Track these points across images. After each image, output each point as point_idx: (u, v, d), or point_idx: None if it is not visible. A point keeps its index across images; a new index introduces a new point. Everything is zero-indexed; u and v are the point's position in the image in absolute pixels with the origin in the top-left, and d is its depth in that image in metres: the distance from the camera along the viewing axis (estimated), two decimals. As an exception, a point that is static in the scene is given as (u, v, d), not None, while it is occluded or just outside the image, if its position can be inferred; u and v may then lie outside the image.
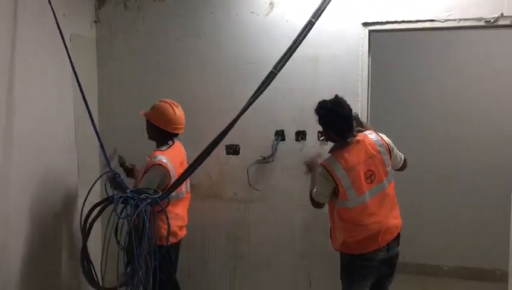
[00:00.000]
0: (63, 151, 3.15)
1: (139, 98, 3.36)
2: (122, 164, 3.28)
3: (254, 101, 2.66)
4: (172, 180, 2.77)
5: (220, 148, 3.10)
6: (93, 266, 2.75)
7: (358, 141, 2.60)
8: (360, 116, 2.96)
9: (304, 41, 2.69)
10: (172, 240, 2.82)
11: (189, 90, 3.36)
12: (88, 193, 2.77)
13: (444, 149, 4.31)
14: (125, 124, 3.44)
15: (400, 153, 2.74)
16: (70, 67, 2.91)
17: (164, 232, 2.69)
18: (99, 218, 2.71)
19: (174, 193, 2.77)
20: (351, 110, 2.63)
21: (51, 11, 2.82)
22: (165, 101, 2.94)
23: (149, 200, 2.56)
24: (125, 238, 2.62)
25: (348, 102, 2.64)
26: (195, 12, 3.31)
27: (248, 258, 3.36)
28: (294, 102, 3.17)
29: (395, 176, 2.73)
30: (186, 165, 2.89)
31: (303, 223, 3.23)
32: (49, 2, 2.81)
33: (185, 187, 2.98)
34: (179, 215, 2.95)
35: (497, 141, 4.12)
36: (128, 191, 2.61)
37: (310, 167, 3.00)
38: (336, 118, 2.58)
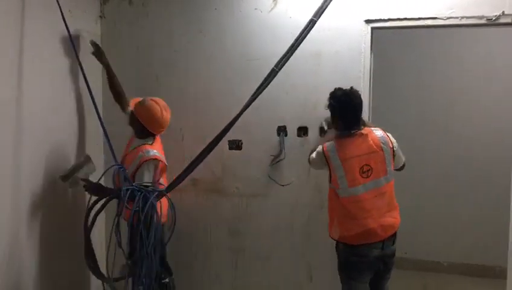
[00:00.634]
0: (69, 144, 3.19)
1: (143, 93, 3.36)
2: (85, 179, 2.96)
3: (256, 98, 2.70)
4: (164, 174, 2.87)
5: (223, 144, 3.13)
6: (95, 258, 2.81)
7: (362, 134, 2.63)
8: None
9: (307, 37, 2.73)
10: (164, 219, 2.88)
11: (193, 86, 3.39)
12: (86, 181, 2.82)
13: (445, 146, 4.33)
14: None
15: (402, 155, 2.76)
16: (76, 62, 2.96)
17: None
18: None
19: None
20: (362, 104, 2.67)
21: (58, 6, 2.86)
22: (157, 102, 2.93)
23: (157, 193, 2.63)
24: (128, 231, 2.68)
25: (350, 98, 2.67)
26: (199, 9, 3.34)
27: (249, 252, 3.40)
28: (297, 98, 3.20)
29: (396, 173, 2.75)
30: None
31: (304, 217, 3.26)
32: (56, -1, 2.86)
33: None
34: None
35: (498, 138, 4.14)
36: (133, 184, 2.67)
37: (323, 130, 3.07)
38: (346, 107, 2.62)
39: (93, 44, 3.16)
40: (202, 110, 3.37)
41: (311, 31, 2.73)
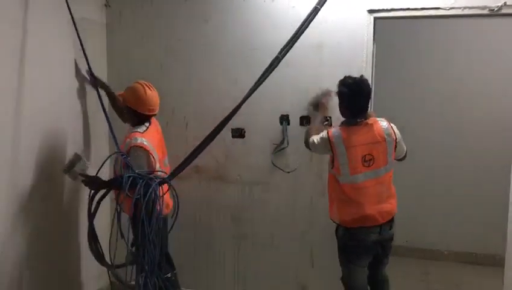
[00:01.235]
0: (73, 136, 3.23)
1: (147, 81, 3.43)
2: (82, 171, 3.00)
3: (259, 85, 2.71)
4: (155, 162, 2.81)
5: (226, 132, 3.17)
6: (100, 244, 2.85)
7: (367, 124, 2.67)
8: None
9: (309, 28, 2.74)
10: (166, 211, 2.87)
11: (197, 74, 3.43)
12: (97, 173, 2.81)
13: (446, 136, 4.35)
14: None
15: (404, 146, 2.80)
16: (81, 51, 2.98)
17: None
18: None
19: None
20: (371, 93, 2.69)
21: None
22: (138, 82, 2.91)
23: (159, 180, 2.64)
24: (128, 218, 2.71)
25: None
26: (203, -3, 3.36)
27: (252, 238, 3.46)
28: (299, 87, 3.22)
29: (397, 163, 2.79)
30: (163, 143, 3.00)
31: (305, 204, 3.31)
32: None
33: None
34: None
35: (500, 129, 4.15)
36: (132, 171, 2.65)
37: (315, 106, 3.10)
38: (355, 95, 2.65)
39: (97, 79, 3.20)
40: (206, 98, 3.41)
41: (314, 22, 2.74)
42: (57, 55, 3.05)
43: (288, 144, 3.25)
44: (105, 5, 3.53)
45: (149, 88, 2.90)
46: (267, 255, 3.44)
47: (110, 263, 2.74)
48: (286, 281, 3.42)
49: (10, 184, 2.70)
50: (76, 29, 2.95)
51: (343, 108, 2.73)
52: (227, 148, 3.41)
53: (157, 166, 2.83)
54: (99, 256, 2.86)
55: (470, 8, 2.88)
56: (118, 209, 2.63)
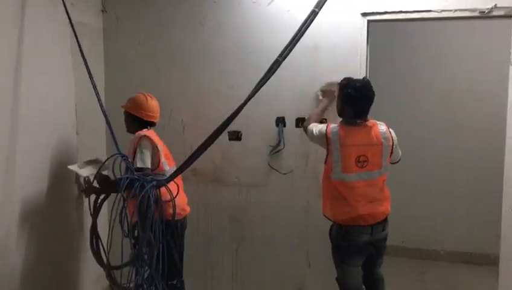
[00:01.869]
0: (71, 136, 3.24)
1: (144, 86, 3.41)
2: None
3: (259, 88, 2.73)
4: (161, 156, 2.87)
5: (223, 135, 3.14)
6: (102, 244, 2.85)
7: (366, 125, 2.70)
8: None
9: (306, 31, 2.77)
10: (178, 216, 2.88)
11: (193, 78, 3.46)
12: (96, 174, 2.81)
13: (442, 136, 4.40)
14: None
15: (400, 151, 2.84)
16: (79, 54, 2.99)
17: (170, 210, 2.74)
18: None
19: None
20: (374, 97, 2.72)
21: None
22: (140, 92, 3.01)
23: (154, 183, 2.64)
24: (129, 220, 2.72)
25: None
26: (199, 2, 3.39)
27: (249, 240, 3.48)
28: (295, 90, 3.25)
29: (394, 166, 2.83)
30: (169, 152, 3.01)
31: (301, 205, 3.34)
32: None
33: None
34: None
35: (493, 129, 4.17)
36: (135, 173, 2.68)
37: (324, 93, 3.13)
38: (361, 98, 2.68)
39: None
40: (202, 102, 3.44)
41: (311, 24, 2.77)
42: (55, 59, 3.06)
43: (284, 145, 3.29)
44: (102, 11, 3.56)
45: (150, 97, 3.00)
46: (265, 256, 3.46)
47: (106, 262, 2.75)
48: (283, 282, 3.44)
49: (10, 184, 2.70)
50: (75, 34, 2.97)
51: (347, 108, 2.74)
52: (224, 151, 3.43)
53: (163, 160, 2.90)
54: (98, 256, 2.85)
55: (461, 10, 2.93)
56: (123, 210, 2.65)
